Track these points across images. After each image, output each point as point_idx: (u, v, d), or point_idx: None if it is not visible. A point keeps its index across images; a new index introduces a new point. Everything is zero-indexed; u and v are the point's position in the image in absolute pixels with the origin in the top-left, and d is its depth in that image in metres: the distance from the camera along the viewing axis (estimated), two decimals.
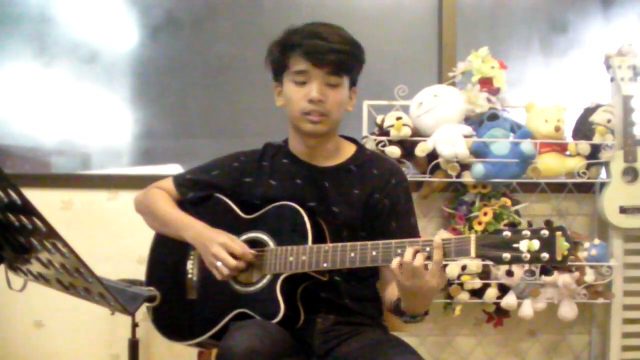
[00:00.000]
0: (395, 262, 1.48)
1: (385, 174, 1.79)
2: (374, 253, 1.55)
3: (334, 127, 1.77)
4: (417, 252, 1.46)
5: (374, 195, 1.77)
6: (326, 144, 1.79)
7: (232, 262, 1.66)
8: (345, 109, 1.77)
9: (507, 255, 1.41)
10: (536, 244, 1.40)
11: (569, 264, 2.49)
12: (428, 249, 1.47)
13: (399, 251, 1.50)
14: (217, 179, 1.86)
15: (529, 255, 1.40)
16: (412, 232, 1.78)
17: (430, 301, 1.57)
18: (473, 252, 1.44)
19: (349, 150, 1.84)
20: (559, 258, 1.38)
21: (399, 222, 1.76)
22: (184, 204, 1.88)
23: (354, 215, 1.75)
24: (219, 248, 1.68)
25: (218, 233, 1.72)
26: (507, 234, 1.43)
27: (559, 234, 1.39)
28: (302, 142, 1.79)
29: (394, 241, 1.54)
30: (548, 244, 1.39)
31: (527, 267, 2.33)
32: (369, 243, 1.57)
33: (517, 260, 1.41)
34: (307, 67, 1.69)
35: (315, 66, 1.68)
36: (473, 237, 1.45)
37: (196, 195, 1.87)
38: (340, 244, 1.61)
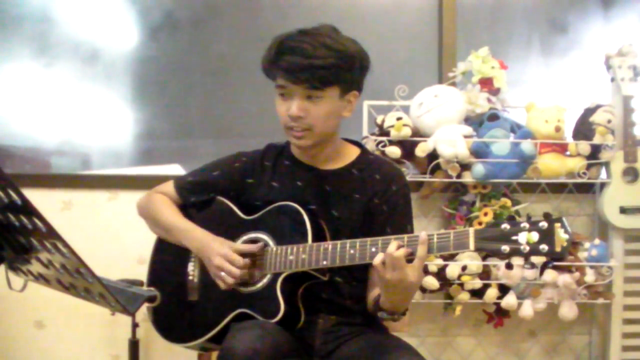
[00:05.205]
0: (378, 257, 1.49)
1: (386, 180, 1.77)
2: (373, 249, 1.55)
3: (323, 137, 1.72)
4: (400, 246, 1.48)
5: (373, 200, 1.76)
6: (324, 149, 1.77)
7: (236, 271, 1.66)
8: (340, 115, 1.73)
9: (505, 247, 1.42)
10: (535, 236, 1.40)
11: (569, 263, 2.50)
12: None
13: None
14: (218, 179, 1.86)
15: (527, 247, 1.40)
16: None
17: (408, 298, 1.58)
18: (472, 245, 1.45)
19: (352, 153, 1.83)
20: (558, 249, 1.39)
21: (394, 229, 1.73)
22: (186, 207, 1.88)
23: (353, 219, 1.74)
24: (220, 260, 1.68)
25: (217, 243, 1.72)
26: (506, 226, 1.43)
27: (557, 225, 1.39)
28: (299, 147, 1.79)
29: (393, 237, 1.54)
30: (546, 236, 1.39)
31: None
32: (368, 239, 1.57)
33: (516, 252, 1.41)
34: (285, 83, 1.65)
35: (293, 82, 1.63)
36: (471, 230, 1.46)
37: (198, 198, 1.87)
38: (339, 241, 1.61)
